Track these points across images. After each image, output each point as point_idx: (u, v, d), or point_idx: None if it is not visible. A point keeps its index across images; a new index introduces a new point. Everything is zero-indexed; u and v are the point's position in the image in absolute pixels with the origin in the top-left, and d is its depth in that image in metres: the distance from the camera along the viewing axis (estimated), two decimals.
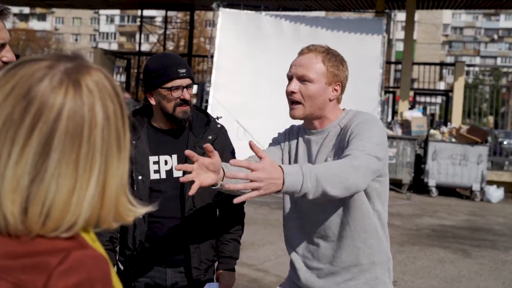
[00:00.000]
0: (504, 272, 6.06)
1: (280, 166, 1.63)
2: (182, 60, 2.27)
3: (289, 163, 2.13)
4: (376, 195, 1.99)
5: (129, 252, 2.27)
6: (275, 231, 7.33)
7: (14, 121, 0.80)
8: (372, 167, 1.81)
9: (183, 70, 2.19)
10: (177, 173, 2.26)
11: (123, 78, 18.13)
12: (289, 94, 2.00)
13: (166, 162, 2.28)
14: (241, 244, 2.41)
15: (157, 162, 2.27)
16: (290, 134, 2.18)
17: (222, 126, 2.39)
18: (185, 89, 2.20)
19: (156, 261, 2.28)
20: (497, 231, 8.16)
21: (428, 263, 6.31)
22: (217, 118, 2.44)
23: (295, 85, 1.99)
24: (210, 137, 2.30)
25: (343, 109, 2.09)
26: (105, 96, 0.85)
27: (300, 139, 2.12)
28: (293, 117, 2.02)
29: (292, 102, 2.01)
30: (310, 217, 2.06)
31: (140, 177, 2.23)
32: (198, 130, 2.31)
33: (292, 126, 2.21)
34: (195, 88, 2.22)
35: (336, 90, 2.02)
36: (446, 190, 11.65)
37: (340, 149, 1.96)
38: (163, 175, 2.27)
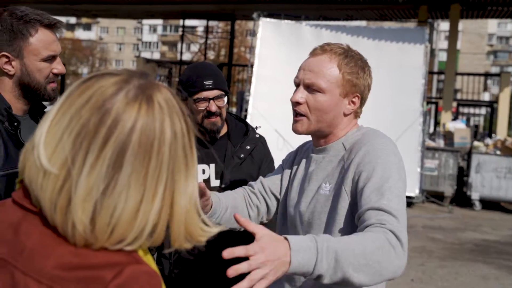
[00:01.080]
0: None
1: (285, 238, 1.24)
2: (212, 71, 2.23)
3: (286, 187, 1.82)
4: None
5: (165, 260, 2.28)
6: None
7: (89, 131, 0.81)
8: (404, 220, 1.46)
9: (209, 82, 2.17)
10: (214, 183, 2.26)
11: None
12: (294, 104, 1.67)
13: (204, 171, 2.28)
14: None
15: None
16: (299, 152, 1.88)
17: (260, 136, 2.38)
18: (211, 101, 2.18)
19: (192, 269, 2.28)
20: None
21: (471, 279, 6.13)
22: (256, 128, 2.43)
23: (302, 94, 1.65)
24: (248, 147, 2.30)
25: (358, 125, 1.73)
26: (173, 114, 0.87)
27: (307, 158, 1.79)
28: (295, 131, 1.69)
29: (297, 114, 1.67)
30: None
31: None
32: (236, 139, 2.31)
33: (305, 143, 1.89)
34: (226, 99, 2.21)
35: (353, 102, 1.66)
36: (490, 204, 11.32)
37: (339, 178, 1.61)
38: None
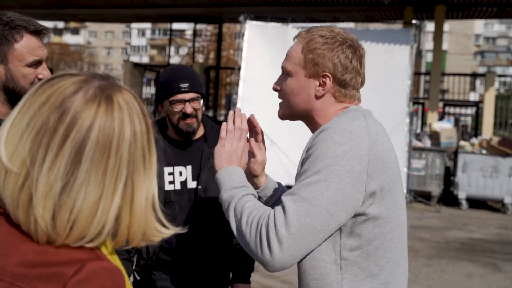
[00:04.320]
0: None
1: (238, 163, 1.58)
2: (188, 74, 2.26)
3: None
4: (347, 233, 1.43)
5: (143, 262, 2.29)
6: None
7: (49, 129, 0.84)
8: (303, 241, 1.33)
9: (185, 85, 2.20)
10: (191, 184, 2.29)
11: (152, 90, 18.41)
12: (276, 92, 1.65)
13: (181, 173, 2.30)
14: None
15: (172, 173, 2.29)
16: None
17: None
18: (187, 103, 2.21)
19: (172, 270, 2.29)
20: None
21: (456, 277, 6.20)
22: None
23: (279, 79, 1.63)
24: None
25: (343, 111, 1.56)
26: (133, 114, 0.90)
27: None
28: (279, 117, 1.68)
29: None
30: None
31: None
32: (213, 141, 2.31)
33: None
34: (202, 101, 2.24)
35: (323, 83, 1.52)
36: (476, 203, 11.43)
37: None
38: (178, 186, 2.29)
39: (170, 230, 0.94)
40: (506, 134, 15.15)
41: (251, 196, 1.49)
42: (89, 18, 21.12)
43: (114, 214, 0.86)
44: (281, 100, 1.63)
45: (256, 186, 1.74)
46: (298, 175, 1.45)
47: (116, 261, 0.91)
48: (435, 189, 11.09)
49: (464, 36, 66.35)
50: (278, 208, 1.37)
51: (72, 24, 66.37)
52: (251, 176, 1.73)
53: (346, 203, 1.36)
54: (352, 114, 1.49)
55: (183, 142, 2.32)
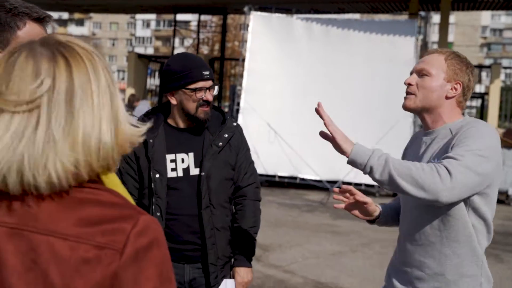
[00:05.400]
0: None
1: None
2: (204, 62, 2.32)
3: None
4: (473, 208, 1.88)
5: None
6: (303, 234, 7.33)
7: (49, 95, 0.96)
8: (465, 181, 1.73)
9: (207, 72, 2.25)
10: (193, 171, 2.30)
11: (157, 81, 18.43)
12: (407, 86, 2.01)
13: (183, 160, 2.31)
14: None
15: (174, 160, 2.31)
16: (411, 142, 2.18)
17: (238, 124, 2.43)
18: (207, 91, 2.26)
19: (174, 258, 2.30)
20: None
21: None
22: (233, 116, 2.50)
23: (413, 77, 2.00)
24: (226, 135, 2.34)
25: (464, 117, 2.00)
26: (94, 56, 1.03)
27: (418, 142, 2.08)
28: (404, 107, 2.01)
29: (407, 93, 2.00)
30: (407, 219, 2.04)
31: (157, 175, 2.27)
32: (214, 128, 2.35)
33: (415, 134, 2.21)
34: (216, 90, 2.29)
35: (455, 88, 1.96)
36: None
37: (443, 154, 1.87)
38: (180, 173, 2.30)
39: (143, 127, 1.06)
40: (511, 126, 15.08)
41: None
42: (93, 9, 21.09)
43: (109, 124, 0.99)
44: (413, 94, 1.98)
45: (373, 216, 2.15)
46: (455, 145, 1.83)
47: (116, 179, 1.09)
48: None
49: (470, 28, 65.96)
50: (446, 160, 1.76)
51: (77, 15, 66.36)
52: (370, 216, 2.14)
53: (489, 178, 1.83)
54: (484, 122, 1.94)
55: (185, 130, 2.34)
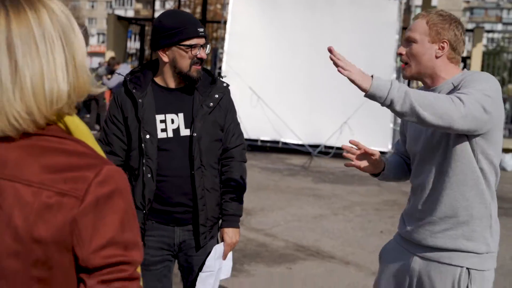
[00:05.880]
0: None
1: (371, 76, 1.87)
2: (197, 19, 2.28)
3: (404, 135, 2.29)
4: (481, 152, 1.98)
5: (139, 211, 2.25)
6: (285, 197, 7.36)
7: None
8: (475, 112, 1.83)
9: (202, 29, 2.22)
10: (184, 132, 2.28)
11: (137, 45, 18.08)
12: (400, 56, 2.11)
13: (172, 121, 2.28)
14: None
15: (164, 121, 2.27)
16: None
17: (227, 85, 2.40)
18: (201, 48, 2.22)
19: (164, 221, 2.30)
20: (511, 199, 8.10)
21: None
22: (221, 77, 2.48)
23: (402, 48, 2.09)
24: (217, 96, 2.32)
25: (462, 70, 2.10)
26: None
27: None
28: (404, 77, 2.12)
29: (403, 63, 2.11)
30: (416, 168, 2.14)
31: (147, 136, 2.23)
32: (203, 88, 2.31)
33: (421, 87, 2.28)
34: (208, 48, 2.27)
35: (442, 47, 2.03)
36: None
37: None
38: (170, 134, 2.27)
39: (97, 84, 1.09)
40: None
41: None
42: None
43: (62, 71, 1.01)
44: (407, 62, 2.08)
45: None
46: (462, 87, 1.94)
47: (85, 129, 1.10)
48: None
49: None
50: (458, 94, 1.87)
51: None
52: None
53: (494, 119, 1.92)
54: (477, 72, 2.04)
55: (174, 90, 2.29)
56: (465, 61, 16.72)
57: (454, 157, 1.98)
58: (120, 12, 58.62)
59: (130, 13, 61.63)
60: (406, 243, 2.17)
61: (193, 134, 2.25)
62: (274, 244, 5.37)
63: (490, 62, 14.57)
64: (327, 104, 10.77)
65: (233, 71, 11.02)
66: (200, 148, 2.26)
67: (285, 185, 8.23)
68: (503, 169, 11.05)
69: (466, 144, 1.96)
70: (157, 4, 37.77)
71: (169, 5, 22.51)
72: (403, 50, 2.09)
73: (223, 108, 2.34)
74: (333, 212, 6.67)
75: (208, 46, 2.26)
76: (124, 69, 10.74)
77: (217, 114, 2.32)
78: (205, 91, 2.30)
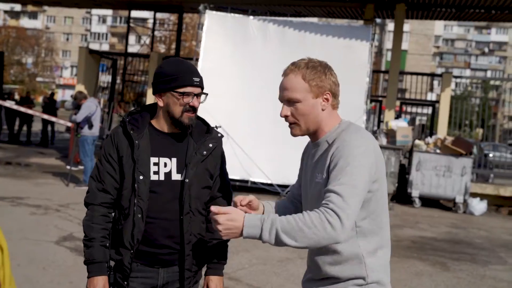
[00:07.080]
0: (482, 287, 5.94)
1: (244, 217, 1.87)
2: (196, 69, 2.36)
3: (303, 177, 2.24)
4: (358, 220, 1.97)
5: (126, 250, 2.30)
6: (252, 239, 7.16)
7: None
8: (354, 207, 1.84)
9: (197, 79, 2.29)
10: (175, 176, 2.33)
11: (109, 78, 17.90)
12: (284, 118, 2.07)
13: (165, 165, 2.34)
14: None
15: (157, 164, 2.33)
16: (305, 149, 2.24)
17: (222, 136, 2.48)
18: (195, 97, 2.29)
19: (148, 263, 2.33)
20: (478, 245, 8.03)
21: (405, 275, 6.17)
22: (216, 127, 2.47)
23: (286, 109, 2.05)
24: (211, 145, 2.40)
25: (340, 120, 2.09)
26: None
27: (309, 153, 2.17)
28: (293, 135, 2.08)
29: (290, 123, 2.07)
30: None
31: (141, 177, 2.29)
32: (198, 136, 2.39)
33: (309, 142, 2.26)
34: (203, 98, 2.37)
35: (326, 99, 2.03)
36: (430, 202, 11.56)
37: (322, 168, 1.99)
38: (162, 177, 2.32)
39: None
40: (463, 134, 15.36)
41: (277, 216, 1.89)
42: (46, 2, 20.40)
43: None
44: (294, 123, 2.04)
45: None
46: (332, 171, 1.91)
47: None
48: (390, 187, 11.13)
49: (424, 37, 67.53)
50: (329, 199, 1.84)
51: (30, 8, 64.43)
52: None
53: (371, 179, 1.93)
54: (354, 128, 2.02)
55: (170, 134, 2.35)
56: (434, 105, 16.99)
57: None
58: (95, 45, 58.56)
59: (105, 47, 61.65)
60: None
61: (185, 180, 2.32)
62: None
63: (458, 106, 14.78)
64: (295, 141, 10.71)
65: (202, 107, 10.90)
66: (190, 193, 2.32)
67: None
68: (470, 213, 11.08)
69: None
70: (132, 39, 37.81)
71: (143, 40, 22.50)
72: (287, 111, 2.04)
73: (215, 158, 2.43)
74: (300, 256, 6.49)
75: (203, 96, 2.34)
76: (91, 102, 10.53)
77: (209, 162, 2.40)
78: (199, 139, 2.38)
